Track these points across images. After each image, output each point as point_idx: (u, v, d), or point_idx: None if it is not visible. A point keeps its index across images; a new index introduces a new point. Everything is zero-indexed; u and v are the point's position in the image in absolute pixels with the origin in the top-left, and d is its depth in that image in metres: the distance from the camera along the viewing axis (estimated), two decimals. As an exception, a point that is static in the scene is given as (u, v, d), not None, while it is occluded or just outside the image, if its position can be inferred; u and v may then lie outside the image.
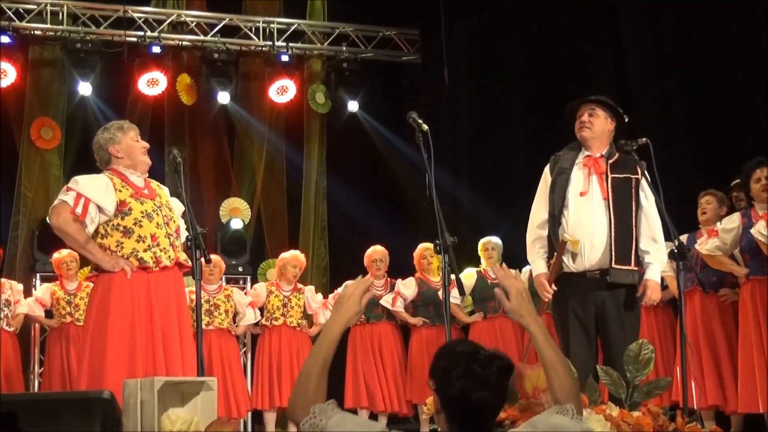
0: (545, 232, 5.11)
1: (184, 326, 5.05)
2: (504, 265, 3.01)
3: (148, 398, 4.03)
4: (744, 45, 7.40)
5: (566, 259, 4.98)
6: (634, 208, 5.01)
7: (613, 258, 4.95)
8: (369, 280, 3.00)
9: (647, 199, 5.07)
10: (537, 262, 5.14)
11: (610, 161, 5.06)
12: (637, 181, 5.06)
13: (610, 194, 5.00)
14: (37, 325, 8.84)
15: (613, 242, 4.95)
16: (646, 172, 5.03)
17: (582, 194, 5.03)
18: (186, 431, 4.01)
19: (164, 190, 5.27)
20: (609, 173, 5.03)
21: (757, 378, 6.17)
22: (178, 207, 5.28)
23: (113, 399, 3.89)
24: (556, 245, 5.01)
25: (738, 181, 6.79)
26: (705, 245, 6.46)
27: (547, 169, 5.19)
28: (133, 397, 4.06)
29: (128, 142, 5.13)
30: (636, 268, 5.01)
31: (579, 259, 4.98)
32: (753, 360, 6.20)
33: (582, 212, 5.00)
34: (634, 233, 5.01)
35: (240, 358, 8.66)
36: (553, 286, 5.00)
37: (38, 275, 9.10)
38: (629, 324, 4.99)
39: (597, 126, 5.13)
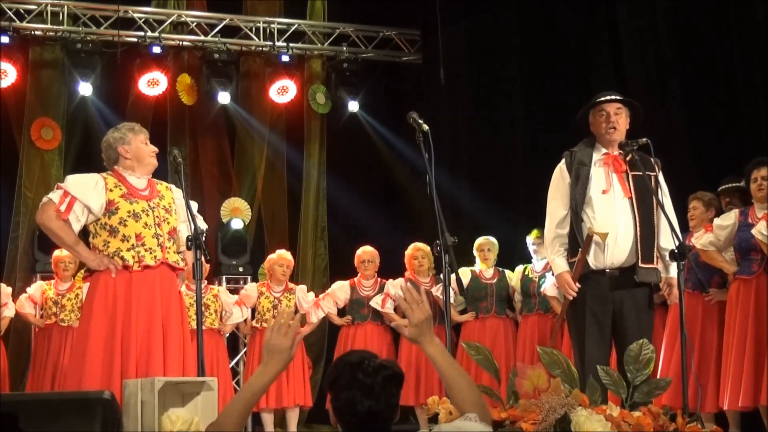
0: (565, 230, 5.10)
1: (172, 326, 5.04)
2: (411, 288, 3.02)
3: (148, 398, 4.04)
4: (743, 44, 7.40)
5: (588, 257, 4.97)
6: (654, 205, 5.02)
7: (640, 257, 4.97)
8: (294, 326, 2.93)
9: (665, 196, 5.09)
10: (558, 261, 5.12)
11: (628, 159, 5.06)
12: (656, 178, 5.09)
13: (632, 193, 5.02)
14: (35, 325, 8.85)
15: (639, 241, 4.97)
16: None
17: (604, 192, 5.03)
18: (186, 431, 4.01)
19: (173, 192, 5.27)
20: (629, 171, 5.04)
21: (732, 374, 6.20)
22: (193, 208, 5.30)
23: (113, 399, 3.89)
24: (581, 241, 4.99)
25: (728, 185, 6.84)
26: (700, 240, 6.53)
27: (563, 166, 5.16)
28: (133, 397, 4.07)
29: (138, 144, 5.18)
30: (658, 267, 5.03)
31: (601, 257, 4.99)
32: (733, 358, 6.24)
33: (606, 210, 5.00)
34: (655, 231, 5.02)
35: (227, 359, 8.63)
36: (577, 284, 4.99)
37: (39, 275, 9.10)
38: (646, 324, 5.01)
39: (622, 125, 5.15)
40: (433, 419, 4.10)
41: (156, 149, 5.23)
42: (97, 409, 3.76)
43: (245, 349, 9.31)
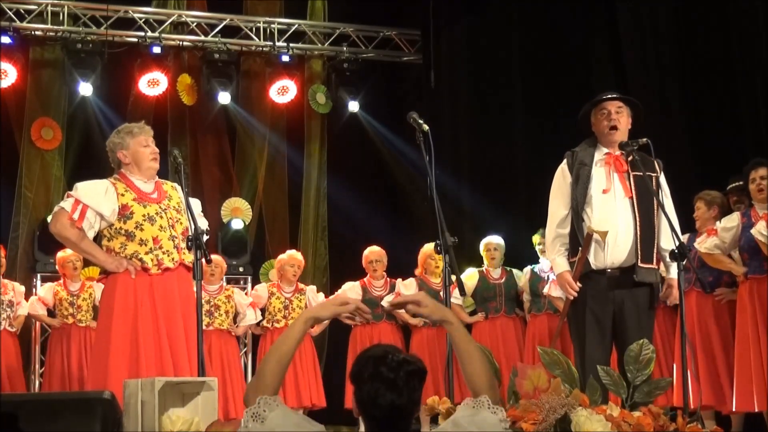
0: (566, 230, 5.10)
1: (191, 327, 5.05)
2: (395, 297, 3.19)
3: (148, 398, 4.04)
4: (743, 44, 7.40)
5: (589, 256, 4.97)
6: (655, 206, 5.02)
7: (639, 256, 4.96)
8: (350, 307, 3.19)
9: (666, 197, 5.09)
10: (558, 260, 5.12)
11: (629, 159, 5.06)
12: (657, 179, 5.08)
13: (633, 192, 5.02)
14: (38, 324, 8.86)
15: (638, 241, 4.96)
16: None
17: (605, 192, 5.03)
18: (186, 431, 4.01)
19: (178, 192, 5.27)
20: (630, 171, 5.04)
21: (754, 377, 6.18)
22: (197, 206, 5.29)
23: (114, 399, 3.89)
24: (581, 241, 4.99)
25: (735, 184, 6.84)
26: (704, 244, 6.50)
27: (564, 166, 5.16)
28: (133, 397, 4.07)
29: (136, 148, 5.16)
30: (657, 267, 5.03)
31: (601, 256, 4.99)
32: (750, 359, 6.21)
33: (606, 210, 5.00)
34: (656, 231, 5.02)
35: (240, 359, 8.65)
36: (577, 284, 4.99)
37: (39, 275, 9.11)
38: (646, 324, 5.00)
39: (623, 124, 5.15)
40: (434, 419, 4.10)
41: (157, 151, 5.22)
42: (97, 409, 3.76)
43: (245, 348, 9.32)
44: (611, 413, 3.76)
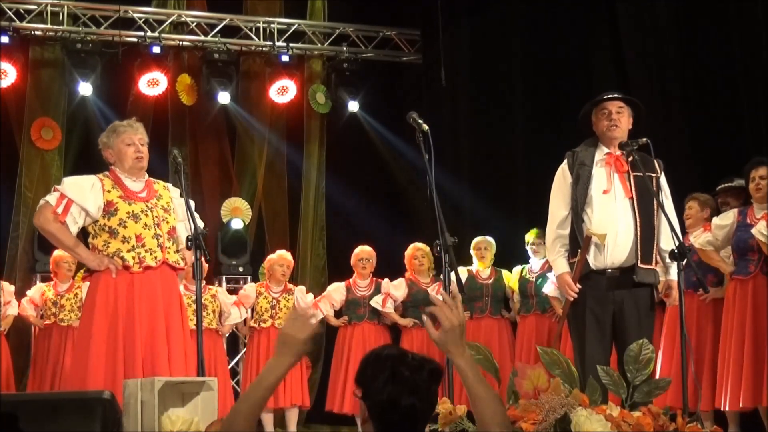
0: (566, 231, 5.10)
1: (174, 326, 5.03)
2: (452, 294, 2.92)
3: (148, 398, 4.04)
4: (743, 45, 7.40)
5: (588, 257, 4.97)
6: (655, 206, 5.02)
7: (639, 257, 4.97)
8: (311, 318, 2.85)
9: (667, 197, 5.09)
10: (558, 261, 5.13)
11: (630, 159, 5.05)
12: (657, 179, 5.09)
13: (633, 193, 5.02)
14: (36, 326, 8.86)
15: (638, 241, 4.96)
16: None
17: (605, 192, 5.03)
18: (186, 431, 4.01)
19: (170, 191, 5.25)
20: (631, 172, 5.04)
21: (732, 376, 6.20)
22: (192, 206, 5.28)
23: (113, 399, 3.89)
24: (581, 242, 4.99)
25: (725, 185, 6.85)
26: (698, 239, 6.53)
27: (565, 166, 5.16)
28: (133, 397, 4.07)
29: (119, 147, 5.13)
30: (657, 268, 5.03)
31: (601, 257, 4.99)
32: (732, 359, 6.26)
33: (606, 210, 5.00)
34: (655, 232, 5.02)
35: (226, 359, 8.62)
36: (577, 285, 5.00)
37: (38, 275, 9.11)
38: (646, 325, 5.01)
39: (624, 124, 5.14)
40: (433, 419, 4.10)
41: (141, 150, 5.14)
42: (97, 409, 3.76)
43: (245, 349, 9.31)
44: (611, 413, 3.76)
